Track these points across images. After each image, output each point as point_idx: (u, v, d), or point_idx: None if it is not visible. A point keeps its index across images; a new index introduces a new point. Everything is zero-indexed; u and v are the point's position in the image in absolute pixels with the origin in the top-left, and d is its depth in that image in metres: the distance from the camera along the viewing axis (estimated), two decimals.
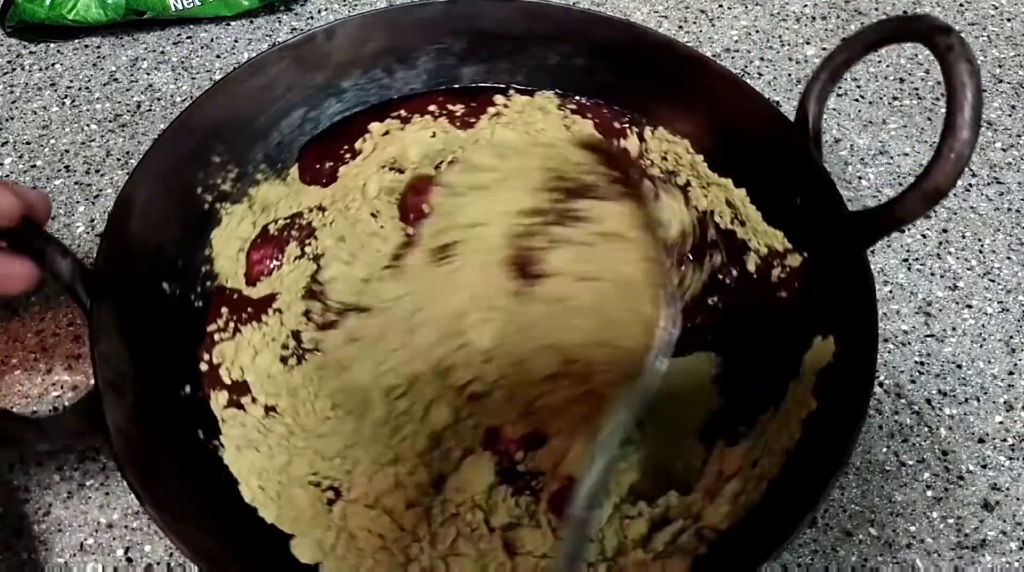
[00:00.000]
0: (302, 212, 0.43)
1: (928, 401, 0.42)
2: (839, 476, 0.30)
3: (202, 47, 0.56)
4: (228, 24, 0.58)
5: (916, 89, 0.55)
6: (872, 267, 0.35)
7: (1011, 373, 0.43)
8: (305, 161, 0.44)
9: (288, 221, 0.43)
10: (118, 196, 0.36)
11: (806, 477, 0.31)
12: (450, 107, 0.46)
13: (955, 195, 0.49)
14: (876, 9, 0.60)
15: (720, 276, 0.41)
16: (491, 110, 0.46)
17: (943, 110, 0.54)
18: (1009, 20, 0.59)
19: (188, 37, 0.57)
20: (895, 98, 0.54)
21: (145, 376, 0.34)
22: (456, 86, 0.46)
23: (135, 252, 0.36)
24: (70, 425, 0.32)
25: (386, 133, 0.45)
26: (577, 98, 0.45)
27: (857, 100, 0.54)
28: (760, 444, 0.35)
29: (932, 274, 0.46)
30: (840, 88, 0.54)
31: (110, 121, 0.52)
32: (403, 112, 0.45)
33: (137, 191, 0.37)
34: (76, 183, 0.49)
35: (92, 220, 0.48)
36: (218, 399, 0.37)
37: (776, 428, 0.35)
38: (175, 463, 0.34)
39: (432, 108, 0.45)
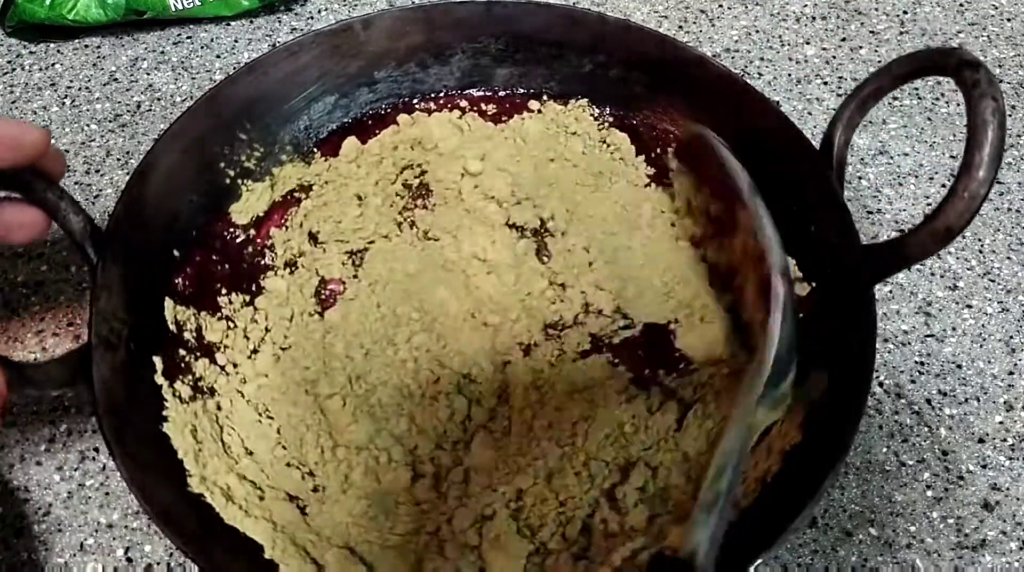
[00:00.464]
0: (303, 184, 0.43)
1: (928, 401, 0.42)
2: (808, 514, 0.29)
3: (202, 47, 0.56)
4: (228, 24, 0.58)
5: (916, 89, 0.55)
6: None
7: (1011, 373, 0.43)
8: (330, 146, 0.44)
9: (288, 194, 0.43)
10: (140, 160, 0.36)
11: (777, 511, 0.31)
12: (483, 106, 0.46)
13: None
14: (876, 9, 0.60)
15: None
16: (525, 113, 0.46)
17: (943, 110, 0.55)
18: (1009, 20, 0.59)
19: (188, 37, 0.57)
20: (895, 98, 0.54)
21: (139, 336, 0.35)
22: (489, 86, 0.46)
23: (149, 216, 0.37)
24: (55, 374, 0.32)
25: (413, 124, 0.45)
26: (608, 109, 0.45)
27: None
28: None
29: (932, 274, 0.46)
30: (840, 88, 0.55)
31: (110, 121, 0.52)
32: (432, 106, 0.46)
33: (159, 158, 0.37)
34: (76, 183, 0.49)
35: (92, 220, 0.47)
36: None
37: (756, 459, 0.34)
38: (152, 423, 0.34)
39: (463, 104, 0.46)
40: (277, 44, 0.44)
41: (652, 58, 0.43)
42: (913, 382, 0.43)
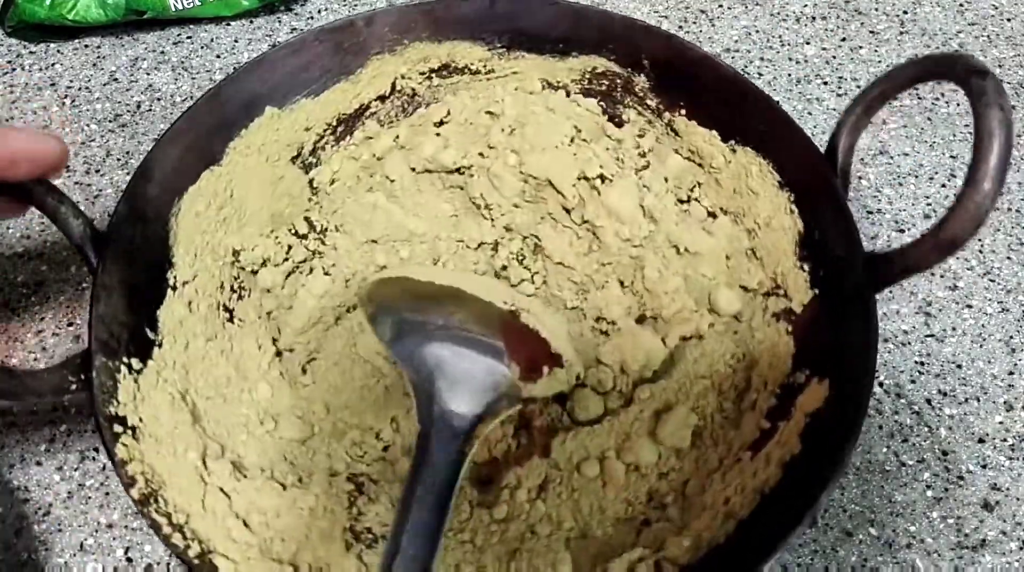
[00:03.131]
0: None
1: (928, 401, 0.42)
2: (805, 525, 0.29)
3: (202, 47, 0.56)
4: (228, 24, 0.58)
5: (916, 89, 0.55)
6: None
7: (1011, 373, 0.43)
8: None
9: None
10: (142, 160, 0.36)
11: (775, 522, 0.30)
12: None
13: (955, 195, 0.49)
14: (876, 9, 0.60)
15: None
16: None
17: (943, 110, 0.55)
18: (1009, 20, 0.59)
19: (188, 37, 0.57)
20: (895, 98, 0.54)
21: (139, 340, 0.35)
22: None
23: (150, 216, 0.37)
24: (55, 381, 0.31)
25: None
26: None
27: None
28: (736, 483, 0.34)
29: (932, 274, 0.46)
30: (840, 88, 0.55)
31: (110, 121, 0.52)
32: None
33: (161, 157, 0.37)
34: (76, 183, 0.49)
35: (92, 220, 0.47)
36: None
37: (755, 468, 0.34)
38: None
39: None
40: (277, 44, 0.44)
41: (659, 57, 0.42)
42: (913, 382, 0.43)
